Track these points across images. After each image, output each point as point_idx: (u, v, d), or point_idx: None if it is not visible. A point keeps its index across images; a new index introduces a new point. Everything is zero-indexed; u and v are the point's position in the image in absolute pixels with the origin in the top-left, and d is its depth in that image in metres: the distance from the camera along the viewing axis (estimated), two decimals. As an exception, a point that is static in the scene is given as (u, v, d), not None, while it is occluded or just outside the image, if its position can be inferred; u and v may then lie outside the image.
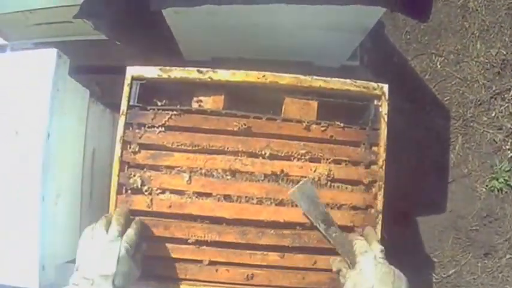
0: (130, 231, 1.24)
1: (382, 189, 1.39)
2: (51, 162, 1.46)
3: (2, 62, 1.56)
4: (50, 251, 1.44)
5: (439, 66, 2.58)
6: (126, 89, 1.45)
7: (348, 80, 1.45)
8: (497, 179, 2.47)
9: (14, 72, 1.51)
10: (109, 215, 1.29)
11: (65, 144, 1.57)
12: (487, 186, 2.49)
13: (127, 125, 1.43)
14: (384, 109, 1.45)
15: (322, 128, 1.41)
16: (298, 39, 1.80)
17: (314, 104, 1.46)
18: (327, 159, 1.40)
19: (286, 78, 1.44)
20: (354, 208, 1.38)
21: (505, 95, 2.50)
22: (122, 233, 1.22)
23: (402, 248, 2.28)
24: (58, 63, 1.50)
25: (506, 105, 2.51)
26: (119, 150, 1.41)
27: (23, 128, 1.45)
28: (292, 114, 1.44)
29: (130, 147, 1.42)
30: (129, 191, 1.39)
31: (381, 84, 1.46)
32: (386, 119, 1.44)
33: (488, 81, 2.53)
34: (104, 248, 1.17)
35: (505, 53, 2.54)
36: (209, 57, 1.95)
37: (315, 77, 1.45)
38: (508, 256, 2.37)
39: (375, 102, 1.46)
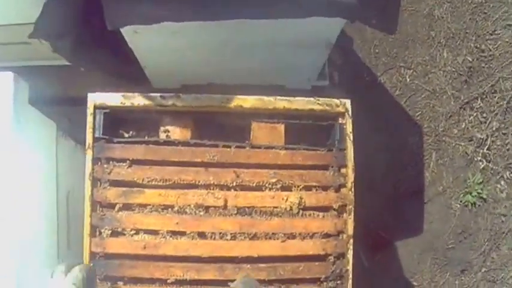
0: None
1: (353, 213, 1.41)
2: (20, 208, 1.38)
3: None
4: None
5: (408, 80, 2.58)
6: (89, 118, 1.42)
7: (311, 99, 1.45)
8: (470, 193, 2.50)
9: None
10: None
11: (33, 188, 1.49)
12: (461, 201, 2.52)
13: (95, 160, 1.41)
14: (349, 127, 1.45)
15: (291, 154, 1.41)
16: (264, 59, 1.77)
17: (281, 127, 1.46)
18: (298, 186, 1.41)
19: (250, 101, 1.43)
20: (326, 235, 1.40)
21: (473, 104, 2.51)
22: None
23: (383, 274, 2.34)
24: (16, 89, 1.38)
25: (475, 114, 2.51)
26: (89, 188, 1.39)
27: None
28: (261, 140, 1.45)
29: (100, 185, 1.40)
30: (103, 234, 1.37)
31: (343, 100, 1.46)
32: (352, 138, 1.44)
33: (456, 91, 2.55)
34: None
35: (470, 59, 2.54)
36: (178, 84, 1.89)
37: (278, 98, 1.44)
38: (483, 270, 2.43)
39: (340, 120, 1.46)
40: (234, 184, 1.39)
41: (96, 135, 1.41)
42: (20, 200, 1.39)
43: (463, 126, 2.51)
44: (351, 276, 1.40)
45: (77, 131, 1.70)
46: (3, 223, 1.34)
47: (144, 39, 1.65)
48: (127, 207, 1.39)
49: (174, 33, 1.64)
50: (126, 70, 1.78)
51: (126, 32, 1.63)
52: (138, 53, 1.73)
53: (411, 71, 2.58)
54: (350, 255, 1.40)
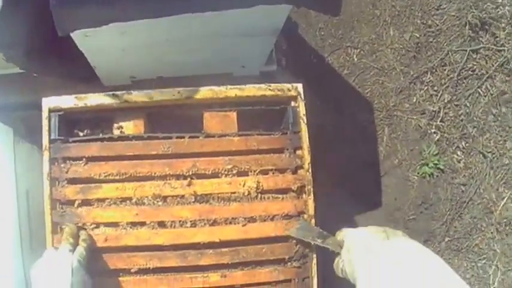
0: (80, 249, 1.26)
1: (312, 194, 1.42)
2: None
3: None
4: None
5: (356, 59, 2.60)
6: (45, 122, 1.43)
7: (262, 85, 1.47)
8: (427, 165, 2.53)
9: None
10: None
11: None
12: (418, 173, 2.55)
13: (52, 161, 1.41)
14: (302, 110, 1.47)
15: (244, 139, 1.43)
16: (212, 51, 1.78)
17: (233, 115, 1.47)
18: (254, 171, 1.42)
19: (201, 92, 1.45)
20: (287, 216, 1.41)
21: (423, 78, 2.55)
22: (72, 250, 1.24)
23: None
24: None
25: (426, 88, 2.56)
26: (48, 188, 1.40)
27: None
28: (213, 129, 1.46)
29: (58, 184, 1.40)
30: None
31: (295, 85, 1.48)
32: (305, 120, 1.46)
33: (405, 67, 2.58)
34: (57, 264, 1.19)
35: (418, 35, 2.58)
36: (128, 81, 1.91)
37: (229, 87, 1.46)
38: (446, 239, 2.45)
39: (292, 104, 1.48)
40: (190, 173, 1.40)
41: (52, 137, 1.42)
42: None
43: (415, 100, 2.55)
44: (315, 255, 1.41)
45: (33, 134, 1.74)
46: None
47: (94, 42, 1.66)
48: (86, 202, 1.39)
49: (123, 33, 1.65)
50: (77, 72, 1.79)
51: (76, 36, 1.64)
52: (88, 55, 1.74)
53: (358, 50, 2.60)
54: (313, 235, 1.40)
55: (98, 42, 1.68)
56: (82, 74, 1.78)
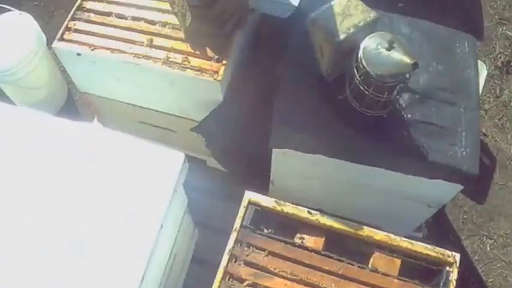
0: None
1: None
2: (156, 251, 1.62)
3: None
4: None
5: (488, 249, 2.82)
6: (242, 209, 1.72)
7: (428, 246, 1.69)
8: None
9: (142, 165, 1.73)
10: None
11: (163, 241, 1.74)
12: None
13: (237, 241, 1.66)
14: (454, 275, 1.66)
15: (403, 284, 1.63)
16: (377, 203, 2.06)
17: (398, 261, 1.68)
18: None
19: (379, 235, 1.69)
20: None
21: None
22: None
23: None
24: (182, 168, 1.73)
25: None
26: (226, 261, 1.64)
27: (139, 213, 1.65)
28: (379, 267, 1.67)
29: (235, 261, 1.64)
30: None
31: (454, 254, 1.69)
32: (455, 284, 1.65)
33: None
34: None
35: None
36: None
37: (403, 238, 1.69)
38: None
39: (447, 268, 1.68)
40: (353, 296, 1.60)
41: (244, 223, 1.70)
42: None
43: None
44: None
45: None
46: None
47: (287, 161, 1.99)
48: (254, 285, 1.60)
49: (315, 164, 1.98)
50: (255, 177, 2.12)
51: (277, 151, 2.00)
52: (275, 170, 2.07)
53: (492, 241, 2.81)
54: None
55: (290, 163, 2.01)
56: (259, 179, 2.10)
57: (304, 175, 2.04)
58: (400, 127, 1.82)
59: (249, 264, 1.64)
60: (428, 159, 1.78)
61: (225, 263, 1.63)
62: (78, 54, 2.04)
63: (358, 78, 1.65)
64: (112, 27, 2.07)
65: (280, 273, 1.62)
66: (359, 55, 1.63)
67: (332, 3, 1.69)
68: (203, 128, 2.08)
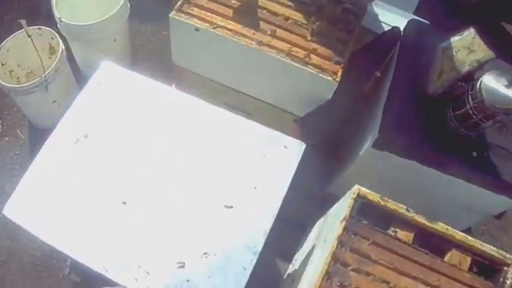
0: None
1: None
2: None
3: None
4: None
5: None
6: (351, 201, 2.01)
7: (493, 247, 2.04)
8: None
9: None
10: None
11: None
12: None
13: (345, 229, 1.96)
14: (510, 274, 2.00)
15: (473, 278, 2.00)
16: (432, 203, 2.34)
17: (469, 258, 2.03)
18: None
19: (459, 235, 2.02)
20: None
21: None
22: None
23: None
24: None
25: None
26: (334, 246, 1.94)
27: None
28: (453, 262, 2.03)
29: (342, 247, 1.93)
30: (333, 283, 1.88)
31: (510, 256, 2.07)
32: (510, 281, 2.03)
33: None
34: None
35: None
36: None
37: (477, 240, 2.03)
38: None
39: (505, 268, 2.04)
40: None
41: (353, 214, 1.99)
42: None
43: None
44: None
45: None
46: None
47: (378, 161, 2.25)
48: (357, 270, 1.92)
49: (397, 167, 2.27)
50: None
51: (370, 151, 2.25)
52: (359, 165, 2.33)
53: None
54: None
55: (373, 163, 2.27)
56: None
57: (384, 177, 2.27)
58: (482, 147, 2.14)
59: (354, 251, 1.94)
60: (501, 177, 2.13)
61: (334, 248, 1.93)
62: (197, 30, 2.13)
63: (471, 105, 1.93)
64: (234, 9, 2.17)
65: (380, 261, 1.94)
66: (477, 86, 1.90)
67: (460, 37, 1.93)
68: (307, 122, 2.28)
